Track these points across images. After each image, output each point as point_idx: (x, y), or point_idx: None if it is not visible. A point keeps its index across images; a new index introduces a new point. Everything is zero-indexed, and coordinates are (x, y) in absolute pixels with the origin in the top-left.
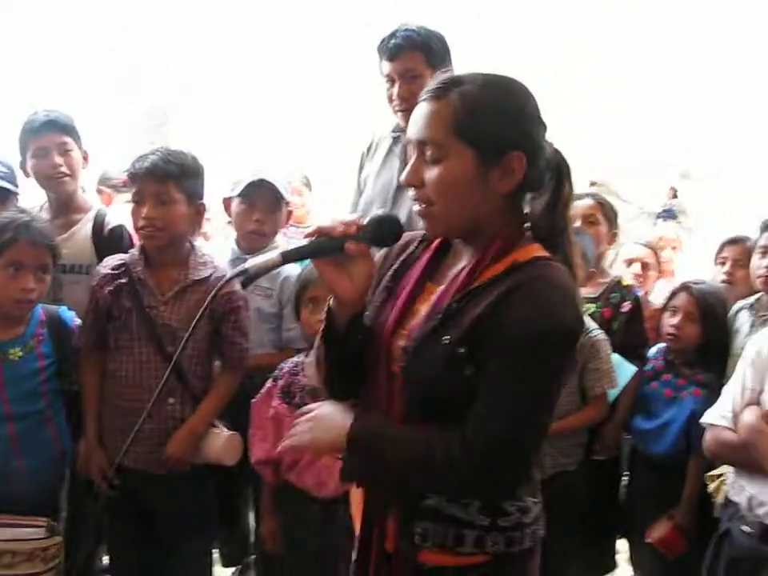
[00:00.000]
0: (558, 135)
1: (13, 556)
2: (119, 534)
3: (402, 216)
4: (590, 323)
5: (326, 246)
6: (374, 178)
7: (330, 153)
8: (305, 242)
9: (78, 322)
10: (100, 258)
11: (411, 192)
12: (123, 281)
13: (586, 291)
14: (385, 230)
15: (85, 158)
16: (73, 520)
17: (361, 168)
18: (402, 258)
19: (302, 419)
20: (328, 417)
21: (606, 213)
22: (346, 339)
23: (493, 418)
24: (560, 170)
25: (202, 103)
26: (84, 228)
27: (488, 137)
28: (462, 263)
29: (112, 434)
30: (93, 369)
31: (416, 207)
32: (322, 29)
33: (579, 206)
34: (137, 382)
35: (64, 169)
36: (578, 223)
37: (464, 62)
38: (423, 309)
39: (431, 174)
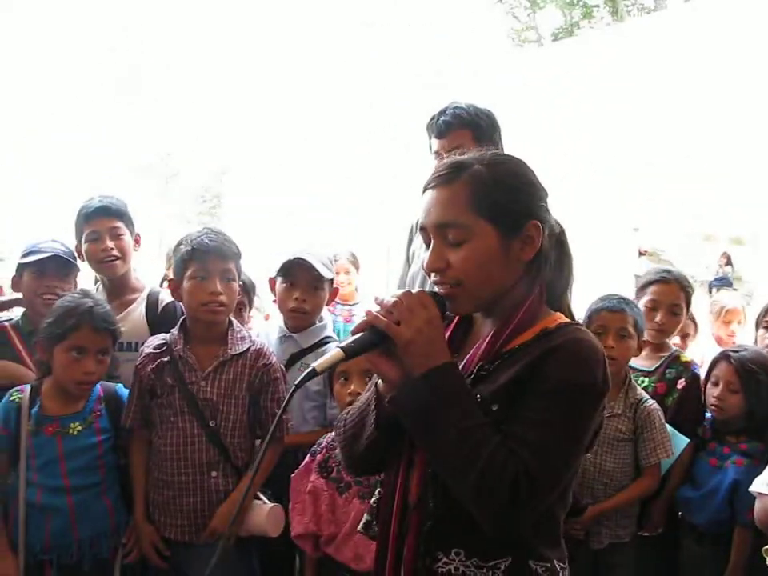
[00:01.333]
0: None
1: None
2: None
3: None
4: (642, 394)
5: (380, 336)
6: (422, 252)
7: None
8: (359, 335)
9: None
10: (154, 335)
11: (433, 277)
12: (165, 359)
13: (640, 363)
14: None
15: (137, 241)
16: None
17: (410, 242)
18: None
19: (414, 303)
20: (435, 332)
21: (688, 299)
22: (393, 420)
23: (529, 453)
24: (560, 233)
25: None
26: (138, 307)
27: (506, 210)
28: (483, 334)
29: (158, 508)
30: (139, 446)
31: (438, 288)
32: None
33: (662, 293)
34: (181, 456)
35: (115, 252)
36: (659, 316)
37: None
38: None
39: (458, 255)
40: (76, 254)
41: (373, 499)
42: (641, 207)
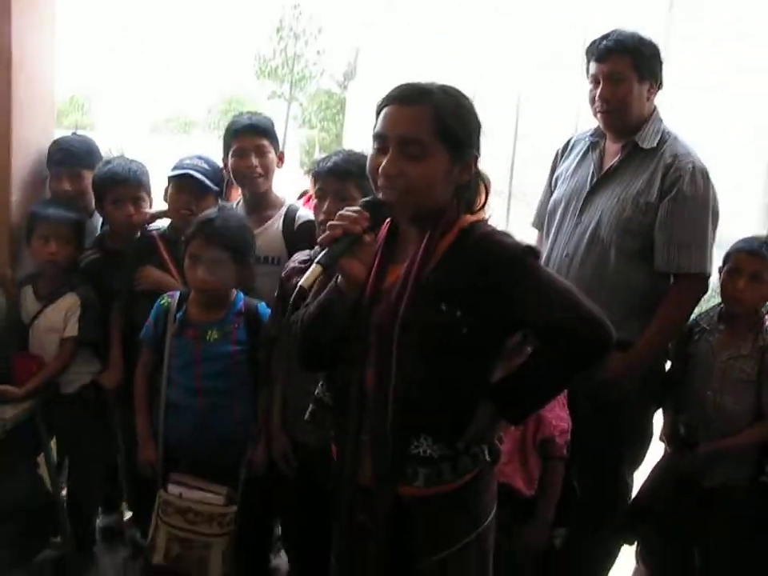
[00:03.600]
0: None
1: (195, 515)
2: (292, 508)
3: (593, 216)
4: None
5: (348, 243)
6: (566, 179)
7: None
8: (331, 246)
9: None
10: (290, 251)
11: (383, 181)
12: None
13: None
14: (381, 213)
15: (280, 159)
16: (245, 494)
17: (554, 168)
18: None
19: None
20: None
21: None
22: (350, 316)
23: (564, 314)
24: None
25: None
26: (276, 223)
27: (459, 139)
28: (412, 241)
29: (294, 413)
30: (281, 355)
31: (384, 193)
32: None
33: None
34: None
35: (259, 169)
36: None
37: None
38: (393, 286)
39: (413, 168)
40: (222, 169)
41: (317, 391)
42: None
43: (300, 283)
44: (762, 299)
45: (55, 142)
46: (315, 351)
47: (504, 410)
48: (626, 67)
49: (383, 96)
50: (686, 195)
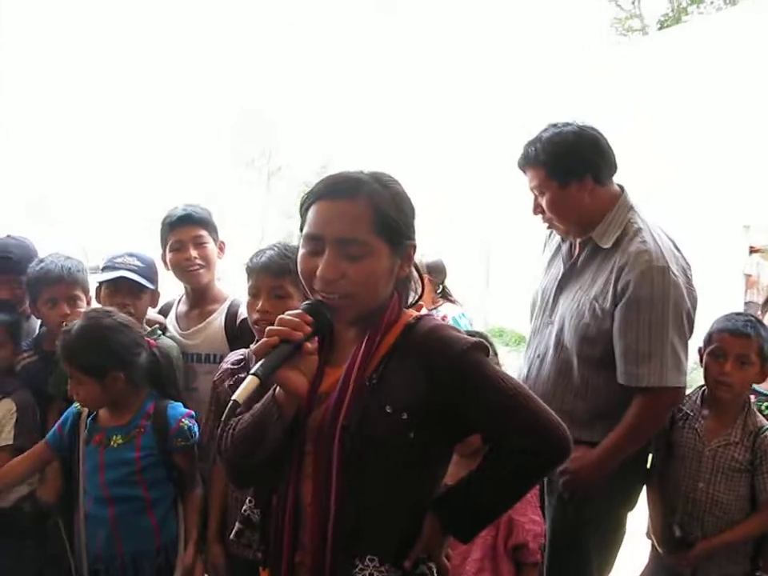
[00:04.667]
0: None
1: None
2: None
3: (558, 317)
4: (764, 422)
5: (288, 352)
6: (543, 271)
7: None
8: (267, 356)
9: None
10: (233, 349)
11: (323, 286)
12: (242, 375)
13: (765, 387)
14: (325, 317)
15: (221, 249)
16: None
17: (543, 252)
18: None
19: None
20: None
21: None
22: (287, 431)
23: (513, 419)
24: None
25: None
26: (218, 319)
27: (398, 231)
28: (350, 340)
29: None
30: (216, 465)
31: (322, 297)
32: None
33: None
34: None
35: (198, 261)
36: None
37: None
38: (332, 390)
39: (355, 269)
40: (162, 264)
41: (243, 508)
42: (752, 203)
43: (233, 397)
44: (749, 382)
45: None
46: (247, 468)
47: (449, 525)
48: (540, 179)
49: (311, 190)
50: (639, 299)
